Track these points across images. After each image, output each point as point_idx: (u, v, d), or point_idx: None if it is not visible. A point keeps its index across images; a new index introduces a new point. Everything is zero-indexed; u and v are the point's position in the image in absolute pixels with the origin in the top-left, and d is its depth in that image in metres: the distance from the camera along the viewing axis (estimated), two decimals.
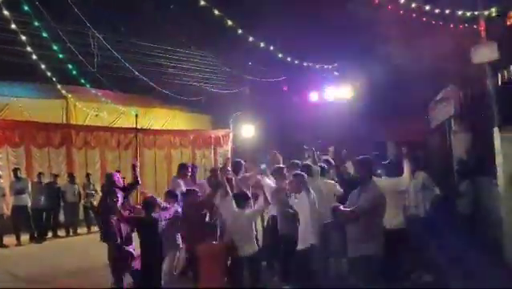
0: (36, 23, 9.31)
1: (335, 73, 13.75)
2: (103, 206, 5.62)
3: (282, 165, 6.70)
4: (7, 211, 10.18)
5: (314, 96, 13.40)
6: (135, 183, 6.54)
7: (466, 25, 7.74)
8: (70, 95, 13.46)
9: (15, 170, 10.58)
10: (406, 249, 6.03)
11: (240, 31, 9.36)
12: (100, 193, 8.22)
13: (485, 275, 6.17)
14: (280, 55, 11.16)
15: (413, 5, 8.26)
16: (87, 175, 12.16)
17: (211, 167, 11.02)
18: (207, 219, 5.62)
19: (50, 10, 9.86)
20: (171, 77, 13.70)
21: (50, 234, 11.00)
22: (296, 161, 6.58)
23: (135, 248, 5.20)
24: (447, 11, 7.71)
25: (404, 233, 5.67)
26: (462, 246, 7.68)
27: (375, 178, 5.79)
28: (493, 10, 7.17)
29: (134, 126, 14.14)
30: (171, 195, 6.07)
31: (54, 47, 10.10)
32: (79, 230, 11.52)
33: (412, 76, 10.67)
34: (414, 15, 8.30)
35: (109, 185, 6.74)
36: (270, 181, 6.32)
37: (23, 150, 12.07)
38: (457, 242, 7.90)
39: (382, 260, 4.24)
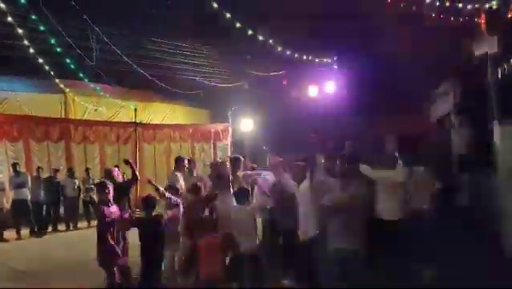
0: (34, 17, 9.24)
1: (335, 67, 13.71)
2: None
3: (281, 158, 6.71)
4: (7, 205, 10.18)
5: (313, 90, 13.36)
6: (133, 179, 6.53)
7: (467, 18, 7.70)
8: (68, 90, 13.42)
9: (14, 165, 10.55)
10: (402, 240, 6.05)
11: (239, 25, 9.32)
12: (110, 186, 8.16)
13: (484, 268, 6.20)
14: (279, 49, 11.11)
15: None
16: (87, 169, 12.15)
17: (210, 162, 11.01)
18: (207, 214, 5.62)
19: (47, 3, 9.79)
20: (170, 71, 13.64)
21: (50, 229, 11.01)
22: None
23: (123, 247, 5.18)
24: (447, 4, 7.66)
25: (400, 224, 5.68)
26: (461, 238, 7.72)
27: (372, 169, 5.84)
28: (494, 2, 7.13)
29: (133, 120, 14.13)
30: (172, 189, 6.08)
31: (52, 41, 10.03)
32: (79, 225, 11.53)
33: (412, 70, 10.65)
34: (414, 8, 8.24)
35: (108, 180, 6.75)
36: (269, 177, 6.32)
37: (22, 145, 12.05)
38: (457, 234, 7.94)
39: (363, 255, 4.22)
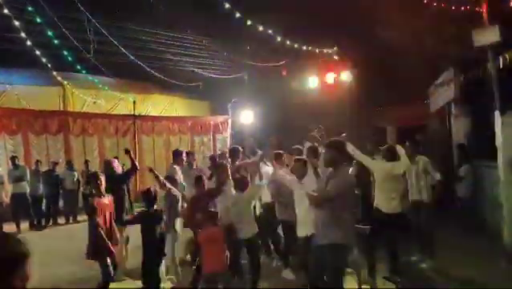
0: (30, 8, 9.13)
1: (335, 57, 13.62)
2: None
3: (280, 151, 6.68)
4: (6, 199, 10.16)
5: (313, 81, 13.27)
6: (133, 169, 6.51)
7: (468, 7, 7.60)
8: (67, 82, 13.35)
9: (13, 158, 10.52)
10: (403, 232, 6.05)
11: (238, 15, 9.21)
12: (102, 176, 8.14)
13: (484, 259, 6.20)
14: (279, 39, 11.01)
15: None
16: (86, 162, 12.12)
17: (210, 155, 10.99)
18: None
19: None
20: (169, 63, 13.55)
21: (49, 222, 11.01)
22: (299, 147, 6.51)
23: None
24: None
25: (400, 217, 5.67)
26: (462, 230, 7.72)
27: (372, 160, 5.81)
28: None
29: (132, 113, 14.08)
30: (171, 180, 6.07)
31: (50, 33, 9.93)
32: (79, 218, 11.51)
33: (413, 60, 10.57)
34: None
35: (108, 172, 6.72)
36: (269, 168, 6.29)
37: (21, 138, 12.02)
38: (457, 226, 7.94)
39: (350, 249, 4.13)
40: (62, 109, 13.71)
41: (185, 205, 6.11)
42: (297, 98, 13.82)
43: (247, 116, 15.45)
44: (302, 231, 4.98)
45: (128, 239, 6.20)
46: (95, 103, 14.22)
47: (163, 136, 15.09)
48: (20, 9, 9.38)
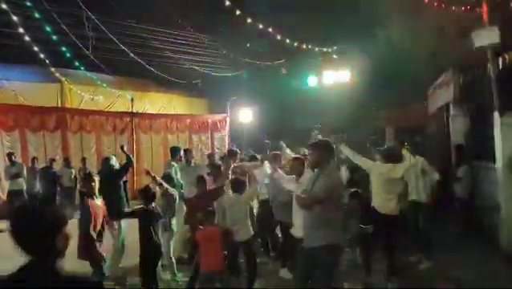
0: (28, 3, 9.06)
1: (335, 56, 13.60)
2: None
3: (278, 152, 6.66)
4: (3, 196, 10.10)
5: (313, 80, 13.25)
6: (128, 163, 6.48)
7: (468, 7, 7.58)
8: (65, 79, 13.28)
9: (9, 155, 10.44)
10: (400, 233, 6.04)
11: (239, 13, 9.17)
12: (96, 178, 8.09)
13: (482, 260, 6.20)
14: (279, 37, 10.97)
15: None
16: (83, 159, 12.05)
17: (208, 153, 10.95)
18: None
19: None
20: (168, 60, 13.50)
21: None
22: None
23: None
24: None
25: (398, 218, 5.65)
26: (460, 231, 7.72)
27: (370, 162, 5.78)
28: None
29: (130, 110, 14.03)
30: (167, 179, 6.03)
31: (48, 29, 9.86)
32: (75, 215, 11.45)
33: (412, 60, 10.56)
34: None
35: (106, 169, 6.68)
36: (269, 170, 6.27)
37: (18, 134, 11.94)
38: (455, 226, 7.94)
39: (341, 250, 4.03)
40: (59, 106, 13.63)
41: (183, 204, 6.10)
42: (296, 97, 13.80)
43: (246, 115, 15.41)
44: (300, 231, 4.95)
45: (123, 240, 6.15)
46: (92, 99, 14.14)
47: (161, 134, 15.03)
48: (18, 4, 9.32)
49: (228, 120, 16.48)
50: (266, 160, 6.28)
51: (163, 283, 5.45)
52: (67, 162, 11.58)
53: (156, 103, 16.10)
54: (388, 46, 10.76)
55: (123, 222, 5.95)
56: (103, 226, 5.08)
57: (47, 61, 11.13)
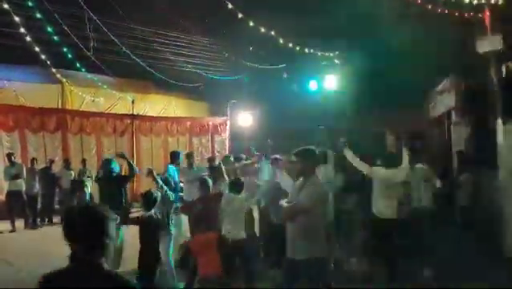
0: (30, 3, 9.03)
1: (336, 61, 13.59)
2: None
3: (278, 156, 6.65)
4: (1, 197, 10.05)
5: (314, 84, 13.25)
6: (131, 174, 6.44)
7: (472, 13, 7.56)
8: (66, 80, 13.24)
9: (9, 155, 10.39)
10: (402, 240, 6.00)
11: (240, 16, 9.14)
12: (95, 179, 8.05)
13: (485, 268, 6.15)
14: (281, 41, 10.94)
15: None
16: (83, 161, 11.99)
17: (209, 156, 10.94)
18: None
19: None
20: (169, 63, 13.47)
21: (45, 221, 10.89)
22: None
23: None
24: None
25: (397, 223, 5.62)
26: (462, 238, 7.67)
27: (371, 167, 5.75)
28: None
29: (130, 112, 13.99)
30: (167, 183, 6.00)
31: (49, 29, 9.83)
32: None
33: (413, 66, 10.54)
34: (419, 1, 8.09)
35: (106, 171, 6.64)
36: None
37: (17, 135, 11.90)
38: (457, 234, 7.89)
39: (325, 262, 3.90)
40: (60, 107, 13.59)
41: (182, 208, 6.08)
42: (297, 101, 13.77)
43: (246, 118, 15.39)
44: None
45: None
46: (93, 101, 14.10)
47: (161, 137, 14.99)
48: (20, 4, 9.29)
49: (228, 122, 16.46)
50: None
51: None
52: (66, 164, 11.53)
53: (156, 105, 16.06)
54: (390, 51, 10.74)
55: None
56: None
57: (48, 62, 11.09)
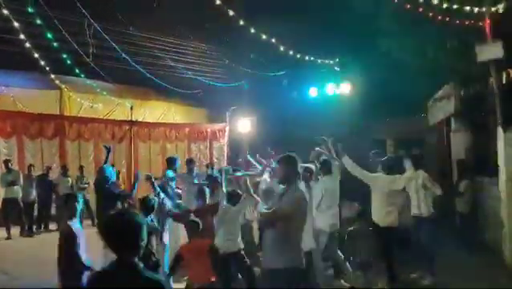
0: (30, 10, 9.02)
1: (336, 68, 13.60)
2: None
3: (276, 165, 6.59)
4: None
5: (314, 92, 13.25)
6: (129, 195, 6.44)
7: (472, 21, 7.56)
8: (64, 86, 13.19)
9: (6, 161, 10.32)
10: (401, 247, 5.95)
11: (241, 23, 9.13)
12: (93, 187, 8.01)
13: (484, 276, 6.10)
14: (282, 48, 10.93)
15: None
16: (81, 167, 11.92)
17: (207, 163, 10.89)
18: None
19: None
20: (168, 69, 13.45)
21: (41, 228, 10.78)
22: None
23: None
24: (454, 6, 7.52)
25: (398, 231, 5.58)
26: (462, 246, 7.62)
27: (371, 175, 5.70)
28: (501, 6, 7.00)
29: (129, 118, 13.94)
30: (164, 189, 5.97)
31: (49, 35, 9.81)
32: None
33: (413, 73, 10.55)
34: (421, 9, 8.10)
35: (101, 179, 6.59)
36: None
37: (15, 141, 11.82)
38: (457, 241, 7.84)
39: (300, 273, 3.74)
40: (58, 113, 13.53)
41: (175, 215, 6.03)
42: (297, 108, 13.75)
43: (245, 125, 15.37)
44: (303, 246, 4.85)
45: None
46: (92, 107, 14.05)
47: (159, 143, 14.93)
48: (19, 10, 9.27)
49: (227, 129, 16.42)
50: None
51: None
52: (64, 170, 11.45)
53: (155, 111, 16.02)
54: (389, 58, 10.75)
55: None
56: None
57: (47, 68, 11.06)
